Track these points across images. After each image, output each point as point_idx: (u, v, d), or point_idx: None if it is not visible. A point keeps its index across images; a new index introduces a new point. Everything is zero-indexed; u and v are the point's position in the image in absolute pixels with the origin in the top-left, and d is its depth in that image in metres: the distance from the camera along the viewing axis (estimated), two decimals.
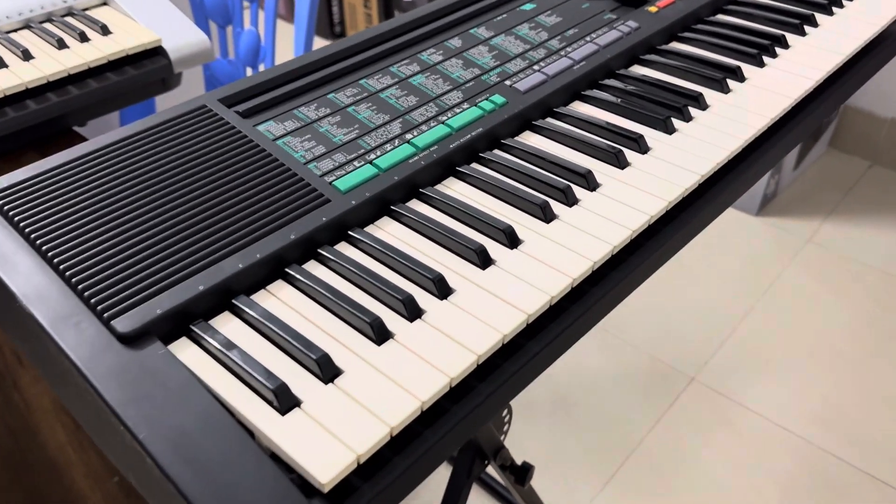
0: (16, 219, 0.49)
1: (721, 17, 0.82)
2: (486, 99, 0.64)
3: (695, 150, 0.62)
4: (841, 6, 0.84)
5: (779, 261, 1.81)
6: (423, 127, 0.61)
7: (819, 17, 0.81)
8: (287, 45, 1.46)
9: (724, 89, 0.69)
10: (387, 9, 2.58)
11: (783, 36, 0.76)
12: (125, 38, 0.91)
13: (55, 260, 0.47)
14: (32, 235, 0.48)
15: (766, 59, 0.74)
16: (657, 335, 1.63)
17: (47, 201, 0.51)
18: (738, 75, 0.71)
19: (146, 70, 0.91)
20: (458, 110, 0.63)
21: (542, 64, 0.69)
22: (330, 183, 0.55)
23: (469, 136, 0.60)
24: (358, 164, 0.56)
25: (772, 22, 0.80)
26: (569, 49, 0.71)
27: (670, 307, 1.69)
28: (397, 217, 0.55)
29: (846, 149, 2.14)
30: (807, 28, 0.79)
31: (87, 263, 0.47)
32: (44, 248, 0.48)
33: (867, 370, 1.53)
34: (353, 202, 0.53)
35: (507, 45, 0.71)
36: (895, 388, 1.49)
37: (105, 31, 0.92)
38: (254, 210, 0.52)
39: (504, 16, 0.75)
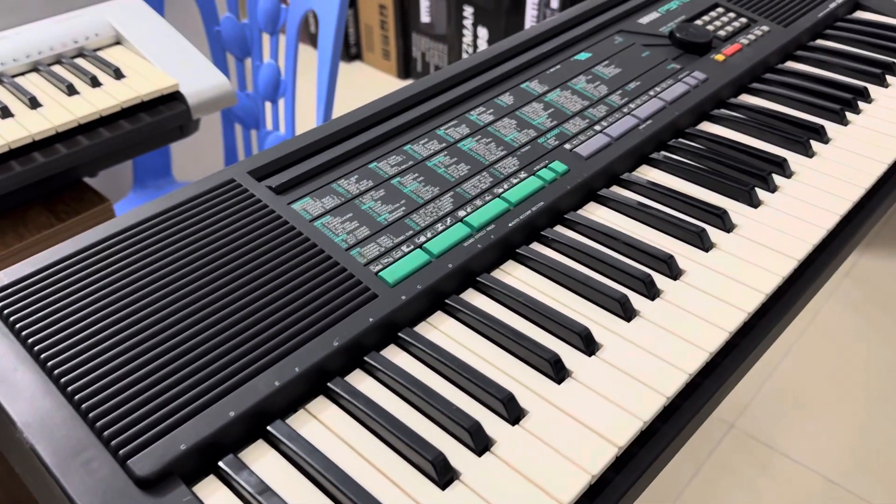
0: (18, 326, 0.42)
1: (792, 66, 0.75)
2: (546, 167, 0.57)
3: (785, 227, 0.54)
4: None
5: (817, 298, 1.72)
6: (478, 201, 0.54)
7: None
8: (309, 78, 1.40)
9: (808, 152, 0.62)
10: (404, 31, 2.52)
11: (865, 88, 0.69)
12: (140, 82, 0.84)
13: (63, 381, 0.40)
14: (37, 348, 0.41)
15: (849, 115, 0.67)
16: None
17: (54, 303, 0.44)
18: (822, 135, 0.63)
19: (163, 117, 0.84)
20: (514, 180, 0.56)
21: (603, 123, 0.62)
22: (376, 273, 0.47)
23: (529, 211, 0.53)
24: (407, 249, 0.49)
25: (849, 71, 0.73)
26: (632, 105, 0.64)
27: None
28: (453, 313, 0.48)
29: None
30: (889, 78, 0.72)
31: (101, 390, 0.40)
32: (49, 364, 0.41)
33: None
34: (404, 297, 0.46)
35: (563, 102, 0.64)
36: None
37: (118, 74, 0.85)
38: (291, 310, 0.45)
39: (558, 67, 0.68)
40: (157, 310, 0.44)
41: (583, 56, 0.69)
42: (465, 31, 2.37)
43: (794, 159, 0.61)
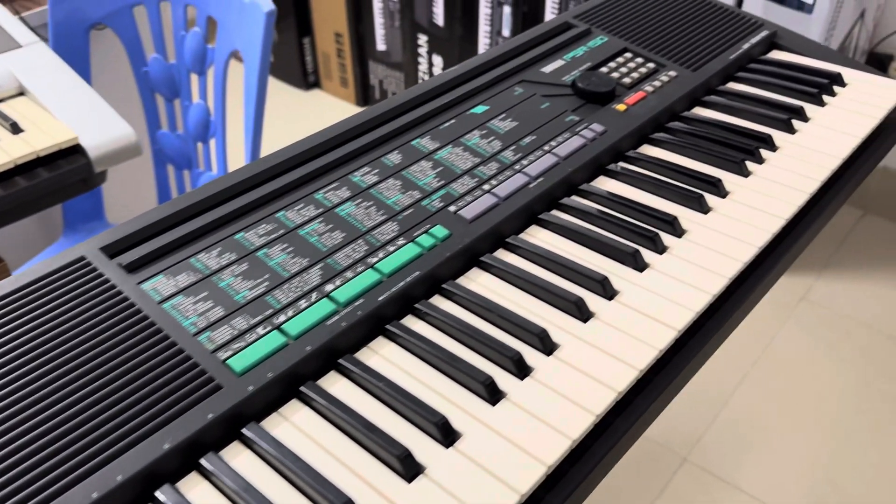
0: None
1: (699, 112, 0.73)
2: (426, 232, 0.54)
3: (670, 294, 0.52)
4: (832, 94, 0.75)
5: (772, 323, 1.71)
6: (349, 273, 0.51)
7: (809, 108, 0.72)
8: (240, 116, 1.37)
9: (704, 208, 0.60)
10: (361, 58, 2.51)
11: (770, 136, 0.67)
12: (38, 137, 0.81)
13: None
14: None
15: (750, 165, 0.65)
16: None
17: None
18: (720, 189, 0.61)
19: (61, 172, 0.81)
20: (391, 248, 0.53)
21: (493, 182, 0.60)
22: (223, 361, 0.44)
23: (403, 282, 0.51)
24: (262, 332, 0.46)
25: (757, 117, 0.71)
26: (524, 162, 0.62)
27: None
28: (307, 401, 0.45)
29: None
30: (796, 123, 0.70)
31: None
32: None
33: (866, 442, 1.43)
34: (251, 388, 0.43)
35: (453, 160, 0.61)
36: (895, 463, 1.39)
37: (15, 128, 0.82)
38: (124, 407, 0.42)
39: (452, 121, 0.65)
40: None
41: (479, 109, 0.67)
42: (420, 59, 2.36)
43: (687, 216, 0.59)
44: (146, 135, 1.31)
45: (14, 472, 0.38)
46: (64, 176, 0.81)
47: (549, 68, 0.73)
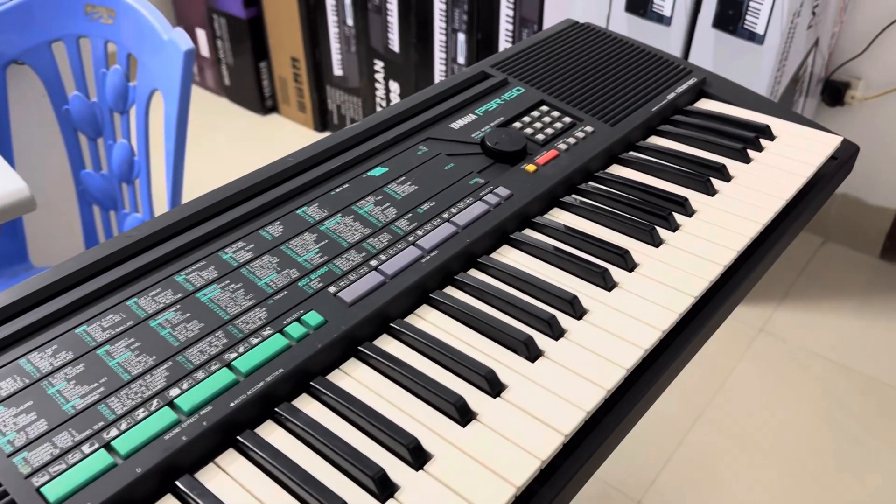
0: None
1: (615, 172, 0.68)
2: (298, 319, 0.49)
3: (561, 390, 0.47)
4: (759, 149, 0.71)
5: (730, 356, 1.68)
6: (200, 373, 0.45)
7: (733, 166, 0.68)
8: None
9: (608, 285, 0.55)
10: (318, 83, 2.46)
11: (686, 200, 0.63)
12: None
13: None
14: None
15: (663, 233, 0.60)
16: None
17: None
18: (629, 262, 0.57)
19: None
20: (255, 340, 0.48)
21: (382, 257, 0.55)
22: (38, 489, 0.39)
23: (262, 383, 0.45)
24: (87, 450, 0.41)
25: (676, 176, 0.66)
26: (419, 233, 0.57)
27: None
28: None
29: None
30: (716, 183, 0.66)
31: None
32: None
33: (829, 482, 1.39)
34: None
35: (342, 231, 0.56)
36: (860, 501, 1.35)
37: None
38: None
39: (345, 186, 0.60)
40: None
41: (377, 171, 0.62)
42: (377, 85, 2.31)
43: (589, 296, 0.55)
44: (69, 175, 1.25)
45: None
46: None
47: (458, 124, 0.68)
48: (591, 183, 0.66)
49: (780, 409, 1.54)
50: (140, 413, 0.43)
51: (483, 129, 0.68)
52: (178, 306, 0.49)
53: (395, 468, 0.42)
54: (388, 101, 2.31)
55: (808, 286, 1.86)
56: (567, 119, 0.70)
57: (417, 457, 0.42)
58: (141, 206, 1.22)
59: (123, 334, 0.47)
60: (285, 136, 2.51)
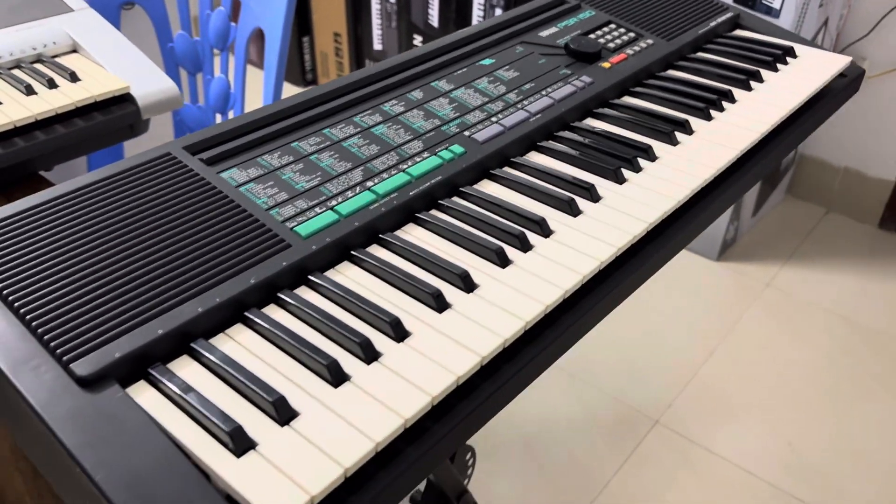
0: None
1: (671, 73, 0.86)
2: (446, 149, 0.67)
3: (644, 199, 0.64)
4: (785, 63, 0.88)
5: (739, 305, 1.85)
6: (384, 175, 0.63)
7: (764, 73, 0.86)
8: (257, 92, 1.49)
9: (673, 141, 0.73)
10: (358, 57, 2.63)
11: (730, 91, 0.80)
12: (94, 84, 0.92)
13: (15, 303, 0.48)
14: None
15: (713, 112, 0.78)
16: (622, 379, 1.65)
17: (9, 246, 0.51)
18: (687, 128, 0.74)
19: (114, 116, 0.92)
20: (418, 159, 0.65)
21: (499, 116, 0.72)
22: (291, 229, 0.56)
23: (428, 183, 0.63)
24: (319, 211, 0.58)
25: (720, 77, 0.84)
26: (525, 102, 0.74)
27: (635, 351, 1.71)
28: (357, 262, 0.57)
29: (803, 196, 2.21)
30: (753, 84, 0.83)
31: (47, 307, 0.47)
32: (4, 291, 0.48)
33: (827, 413, 1.56)
34: (314, 247, 0.55)
35: (466, 98, 0.74)
36: (855, 431, 1.52)
37: (74, 77, 0.93)
38: (215, 255, 0.53)
39: (464, 70, 0.78)
40: (104, 251, 0.52)
41: (487, 62, 0.80)
42: None
43: (660, 147, 0.72)
44: None
45: (136, 291, 0.49)
46: (116, 120, 0.93)
47: (545, 33, 0.86)
48: (652, 80, 0.83)
49: (786, 351, 1.71)
50: (349, 194, 0.60)
51: (565, 38, 0.85)
52: (360, 136, 0.66)
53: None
54: None
55: (812, 250, 2.03)
56: (631, 34, 0.88)
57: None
58: None
59: (326, 149, 0.64)
60: None
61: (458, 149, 0.67)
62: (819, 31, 1.86)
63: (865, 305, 1.84)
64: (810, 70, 0.86)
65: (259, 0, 1.25)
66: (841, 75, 0.89)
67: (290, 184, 0.60)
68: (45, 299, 0.48)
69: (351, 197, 0.60)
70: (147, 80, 0.97)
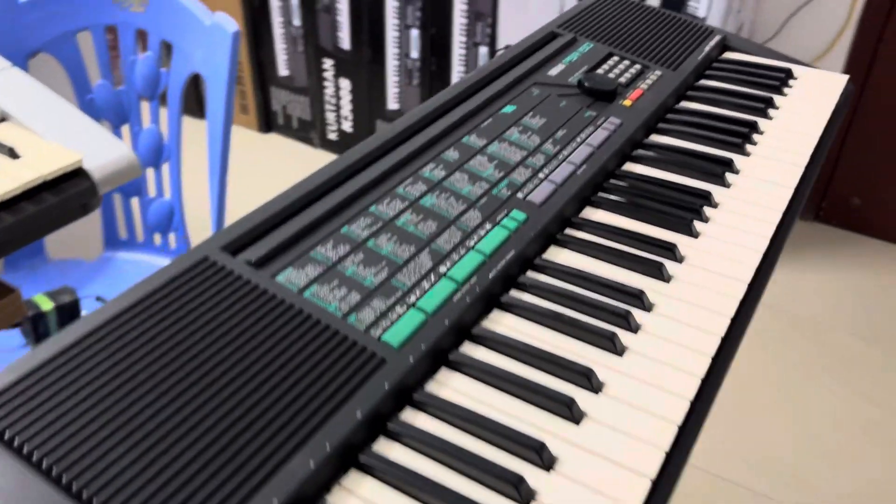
0: (15, 440, 0.39)
1: (688, 105, 0.82)
2: (506, 216, 0.60)
3: (727, 253, 0.60)
4: (789, 85, 0.87)
5: None
6: (454, 256, 0.55)
7: (776, 98, 0.84)
8: (193, 142, 1.35)
9: (726, 184, 0.69)
10: (262, 85, 2.49)
11: (755, 122, 0.77)
12: (39, 161, 0.79)
13: (74, 487, 0.37)
14: (42, 461, 0.38)
15: (748, 147, 0.75)
16: None
17: (49, 408, 0.40)
18: (733, 168, 0.71)
19: (67, 195, 0.79)
20: (482, 232, 0.58)
21: (545, 171, 0.66)
22: (379, 338, 0.48)
23: (504, 261, 0.56)
24: (401, 311, 0.50)
25: (737, 107, 0.81)
26: (565, 152, 0.68)
27: None
28: (458, 368, 0.49)
29: None
30: (770, 111, 0.81)
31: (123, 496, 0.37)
32: (60, 476, 0.37)
33: (782, 407, 1.60)
34: (412, 358, 0.47)
35: (504, 153, 0.67)
36: (812, 422, 1.56)
37: (13, 154, 0.79)
38: (304, 387, 0.44)
39: (490, 121, 0.71)
40: (159, 407, 0.41)
41: (509, 109, 0.73)
42: (326, 83, 2.38)
43: (717, 191, 0.68)
44: None
45: (224, 455, 0.40)
46: (69, 200, 0.79)
47: (553, 72, 0.80)
48: (671, 115, 0.80)
49: (745, 350, 1.74)
50: (425, 285, 0.52)
51: (575, 75, 0.80)
52: (411, 210, 0.58)
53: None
54: (339, 98, 2.39)
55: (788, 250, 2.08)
56: (637, 66, 0.84)
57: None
58: (168, 189, 1.26)
59: (380, 231, 0.56)
60: None
61: (519, 215, 0.60)
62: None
63: (795, 295, 1.90)
64: (816, 91, 0.85)
65: (195, 42, 1.14)
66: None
67: (358, 280, 0.52)
68: (120, 488, 0.38)
69: (429, 289, 0.52)
70: (98, 149, 0.84)
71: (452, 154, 0.66)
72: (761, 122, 0.79)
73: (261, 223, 0.54)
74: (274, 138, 2.59)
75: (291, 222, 0.55)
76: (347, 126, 2.43)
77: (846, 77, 0.88)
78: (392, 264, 0.53)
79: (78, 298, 1.15)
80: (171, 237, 1.30)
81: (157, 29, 1.16)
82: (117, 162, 0.85)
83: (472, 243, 0.56)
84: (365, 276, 0.52)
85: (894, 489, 1.44)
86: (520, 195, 0.62)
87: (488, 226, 0.58)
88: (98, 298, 1.20)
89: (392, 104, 2.31)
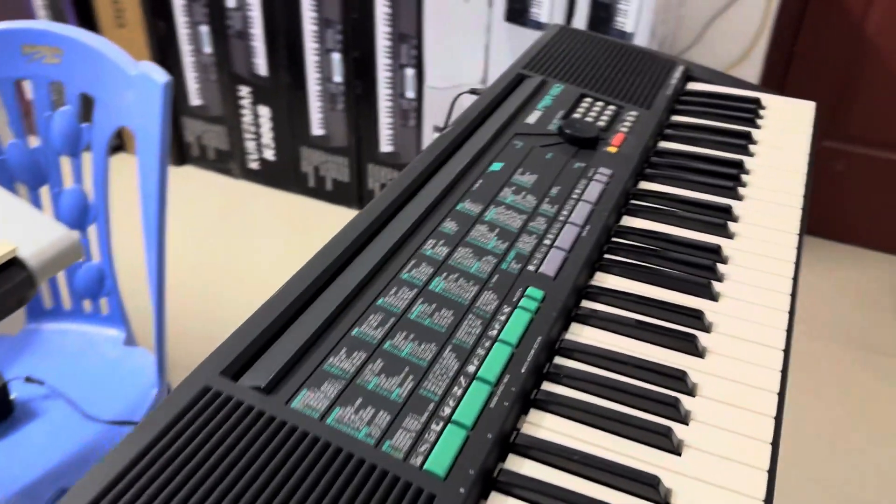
0: None
1: (667, 146, 0.80)
2: (524, 296, 0.55)
3: (750, 316, 0.57)
4: (760, 116, 0.86)
5: None
6: (480, 350, 0.50)
7: (752, 132, 0.82)
8: (120, 200, 1.24)
9: (730, 234, 0.66)
10: (173, 116, 2.36)
11: (741, 161, 0.76)
12: None
13: None
14: None
15: (740, 190, 0.73)
16: None
17: None
18: (732, 215, 0.68)
19: (3, 291, 0.69)
20: (502, 317, 0.53)
21: (550, 237, 0.61)
22: (421, 468, 0.42)
23: (532, 350, 0.51)
24: (437, 428, 0.44)
25: (717, 144, 0.79)
26: (565, 212, 0.64)
27: None
28: (509, 491, 0.44)
29: None
30: (751, 147, 0.80)
31: None
32: None
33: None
34: (462, 490, 0.41)
35: (503, 219, 0.62)
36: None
37: None
38: None
39: (480, 182, 0.66)
40: None
41: (497, 167, 0.68)
42: (243, 111, 2.28)
43: (724, 244, 0.65)
44: None
45: None
46: (3, 296, 0.70)
47: (531, 120, 0.76)
48: (655, 158, 0.77)
49: None
50: (457, 391, 0.47)
51: (553, 122, 0.76)
52: (422, 300, 0.53)
53: None
54: (258, 126, 2.29)
55: None
56: (612, 107, 0.81)
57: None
58: (97, 252, 1.16)
59: (395, 329, 0.50)
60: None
61: (536, 293, 0.55)
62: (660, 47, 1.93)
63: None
64: (790, 121, 0.84)
65: (119, 94, 1.04)
66: None
67: (383, 395, 0.46)
68: None
69: (462, 395, 0.46)
70: (32, 233, 0.74)
71: (450, 226, 0.60)
72: (746, 161, 0.78)
73: (258, 337, 0.47)
74: (189, 170, 2.46)
75: (291, 332, 0.48)
76: (269, 154, 2.33)
77: (813, 104, 0.88)
78: (416, 369, 0.48)
79: (5, 382, 1.04)
80: (103, 302, 1.19)
81: (74, 81, 1.06)
82: (56, 246, 0.75)
83: (494, 332, 0.51)
84: (390, 388, 0.46)
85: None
86: (531, 267, 0.58)
87: (507, 309, 0.54)
88: (28, 379, 1.08)
89: (317, 130, 2.22)
